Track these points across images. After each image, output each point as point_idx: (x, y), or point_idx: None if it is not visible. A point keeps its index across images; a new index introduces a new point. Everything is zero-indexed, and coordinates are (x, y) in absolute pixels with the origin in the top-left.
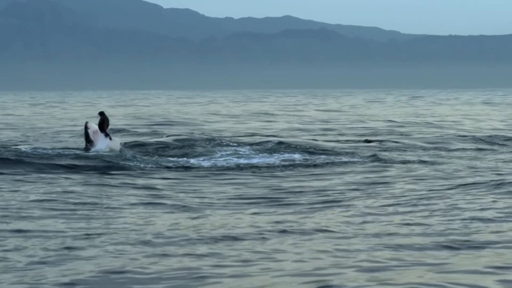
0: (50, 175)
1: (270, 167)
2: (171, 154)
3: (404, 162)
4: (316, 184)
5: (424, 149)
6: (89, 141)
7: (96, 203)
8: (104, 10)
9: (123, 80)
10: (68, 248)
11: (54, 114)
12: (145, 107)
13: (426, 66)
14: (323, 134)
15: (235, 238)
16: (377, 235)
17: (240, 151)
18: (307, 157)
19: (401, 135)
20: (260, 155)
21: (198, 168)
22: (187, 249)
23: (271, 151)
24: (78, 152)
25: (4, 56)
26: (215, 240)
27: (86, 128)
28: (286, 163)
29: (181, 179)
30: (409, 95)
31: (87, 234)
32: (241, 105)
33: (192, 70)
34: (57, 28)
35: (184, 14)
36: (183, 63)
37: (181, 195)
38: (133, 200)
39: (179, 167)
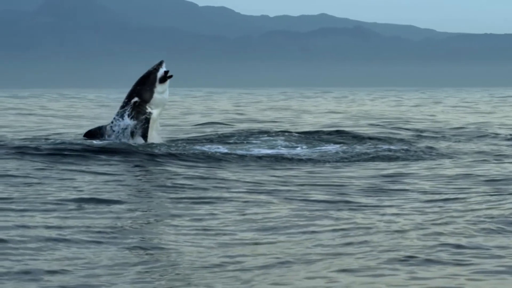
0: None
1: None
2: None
3: None
4: None
5: None
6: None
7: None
8: (139, 8)
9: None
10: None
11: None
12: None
13: (461, 64)
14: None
15: None
16: None
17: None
18: None
19: None
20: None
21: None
22: None
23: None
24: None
25: (38, 53)
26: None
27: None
28: None
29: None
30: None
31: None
32: (301, 102)
33: (227, 68)
34: (91, 26)
35: (219, 12)
36: (218, 61)
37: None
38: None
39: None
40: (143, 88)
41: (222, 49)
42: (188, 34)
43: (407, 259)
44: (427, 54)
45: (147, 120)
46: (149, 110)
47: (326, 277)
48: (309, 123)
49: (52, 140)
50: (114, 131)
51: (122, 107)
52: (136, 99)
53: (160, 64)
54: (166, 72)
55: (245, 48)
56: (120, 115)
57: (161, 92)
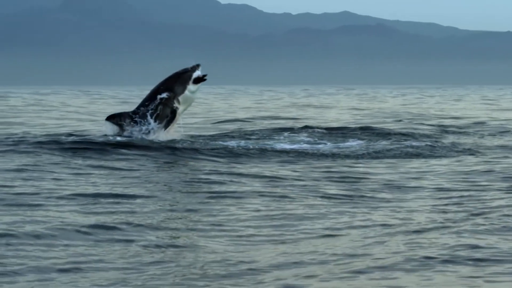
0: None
1: None
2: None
3: None
4: None
5: None
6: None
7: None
8: (161, 5)
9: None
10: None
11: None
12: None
13: (484, 62)
14: None
15: None
16: None
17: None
18: None
19: None
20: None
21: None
22: None
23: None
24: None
25: (61, 50)
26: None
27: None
28: None
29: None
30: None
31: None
32: (323, 99)
33: (249, 66)
34: (114, 23)
35: (241, 9)
36: (240, 59)
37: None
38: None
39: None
40: (177, 83)
41: (244, 46)
42: (210, 32)
43: (424, 260)
44: (449, 52)
45: (174, 114)
46: (176, 105)
47: (341, 278)
48: (331, 119)
49: (72, 136)
50: (135, 129)
51: (145, 104)
52: (164, 95)
53: (197, 66)
54: (203, 76)
55: (267, 45)
56: (143, 114)
57: (192, 91)
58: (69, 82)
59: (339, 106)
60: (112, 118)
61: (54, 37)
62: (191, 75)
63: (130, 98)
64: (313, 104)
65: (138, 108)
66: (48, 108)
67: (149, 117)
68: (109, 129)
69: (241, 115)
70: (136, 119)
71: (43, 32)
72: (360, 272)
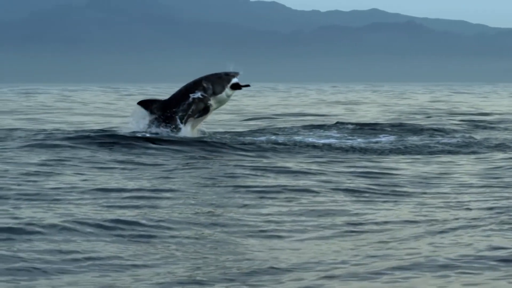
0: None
1: None
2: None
3: None
4: None
5: None
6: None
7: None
8: (190, 3)
9: (210, 72)
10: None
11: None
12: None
13: None
14: None
15: None
16: None
17: None
18: None
19: None
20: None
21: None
22: None
23: None
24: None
25: (89, 47)
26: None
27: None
28: None
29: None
30: None
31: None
32: (352, 96)
33: (279, 63)
34: (143, 20)
35: (271, 7)
36: (269, 56)
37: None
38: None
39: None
40: (218, 82)
41: (273, 44)
42: (239, 29)
43: (447, 260)
44: (478, 49)
45: (207, 111)
46: (211, 102)
47: (362, 279)
48: (361, 116)
49: (99, 132)
50: (160, 127)
51: (179, 98)
52: (198, 94)
53: (237, 74)
54: (242, 85)
55: (296, 43)
56: (170, 116)
57: (228, 94)
58: (96, 79)
59: (368, 103)
60: (143, 103)
61: (82, 34)
62: (230, 79)
63: (159, 94)
64: (342, 101)
65: (171, 98)
66: (76, 105)
67: (178, 120)
68: (139, 114)
69: (270, 112)
70: (167, 114)
71: (70, 29)
72: (381, 273)
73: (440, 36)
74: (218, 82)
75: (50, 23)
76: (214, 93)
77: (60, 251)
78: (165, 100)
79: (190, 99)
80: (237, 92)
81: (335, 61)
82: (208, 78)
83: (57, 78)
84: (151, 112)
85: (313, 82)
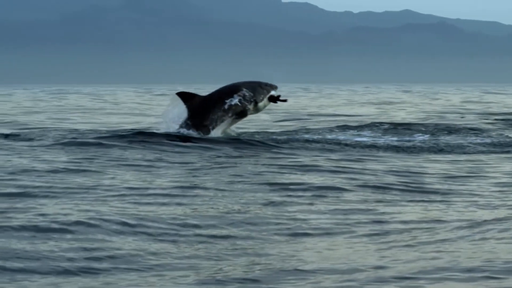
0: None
1: None
2: None
3: None
4: None
5: None
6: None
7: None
8: (222, 3)
9: (241, 73)
10: None
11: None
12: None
13: None
14: None
15: None
16: None
17: None
18: None
19: None
20: None
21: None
22: None
23: None
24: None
25: (123, 49)
26: None
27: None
28: None
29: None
30: None
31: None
32: (386, 97)
33: (310, 64)
34: (175, 21)
35: (303, 7)
36: (301, 57)
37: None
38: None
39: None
40: (258, 90)
41: (305, 45)
42: (271, 30)
43: (476, 266)
44: (511, 50)
45: (244, 115)
46: (250, 107)
47: (387, 283)
48: (394, 116)
49: (132, 131)
50: (191, 129)
51: (211, 105)
52: (236, 100)
53: (276, 87)
54: (281, 99)
55: (329, 44)
56: (203, 117)
57: (264, 104)
58: (128, 80)
59: (401, 103)
60: (183, 95)
61: (115, 35)
62: (270, 91)
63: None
64: (374, 102)
65: (208, 98)
66: (108, 105)
67: (214, 116)
68: (176, 105)
69: (302, 112)
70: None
71: (103, 30)
72: (406, 277)
73: (472, 37)
74: (258, 90)
75: (83, 24)
76: (253, 101)
77: (85, 249)
78: (204, 97)
79: (227, 105)
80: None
81: (367, 62)
82: (249, 85)
83: (90, 79)
84: (188, 106)
85: (345, 83)
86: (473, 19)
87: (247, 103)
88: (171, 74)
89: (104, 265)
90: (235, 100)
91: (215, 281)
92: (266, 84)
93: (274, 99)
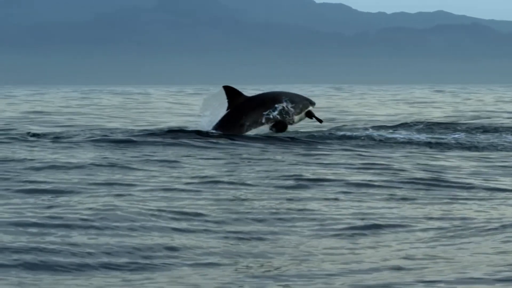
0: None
1: None
2: None
3: None
4: None
5: None
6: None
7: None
8: (256, 4)
9: (275, 74)
10: None
11: None
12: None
13: None
14: None
15: None
16: None
17: None
18: None
19: None
20: None
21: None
22: None
23: None
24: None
25: (156, 50)
26: None
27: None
28: None
29: None
30: None
31: None
32: (421, 97)
33: (344, 65)
34: (209, 22)
35: (336, 8)
36: (334, 58)
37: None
38: None
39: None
40: (298, 104)
41: (338, 45)
42: (305, 31)
43: (502, 270)
44: None
45: (281, 126)
46: (293, 118)
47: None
48: (428, 115)
49: (166, 130)
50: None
51: (250, 109)
52: (276, 112)
53: (314, 104)
54: (316, 116)
55: (362, 44)
56: (240, 119)
57: (301, 118)
58: (163, 80)
59: (434, 103)
60: (228, 89)
61: (150, 37)
62: (308, 106)
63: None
64: (408, 101)
65: (254, 98)
66: (142, 105)
67: (250, 121)
68: (219, 97)
69: (336, 110)
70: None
71: (139, 32)
72: (433, 281)
73: (506, 38)
74: (298, 104)
75: (119, 25)
76: (292, 114)
77: (121, 245)
78: (247, 98)
79: (266, 114)
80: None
81: (400, 62)
82: (290, 96)
83: (122, 80)
84: (230, 102)
85: (378, 84)
86: (507, 19)
87: (286, 115)
88: (204, 75)
89: (135, 259)
90: (275, 112)
91: (239, 280)
92: (306, 99)
93: (310, 115)
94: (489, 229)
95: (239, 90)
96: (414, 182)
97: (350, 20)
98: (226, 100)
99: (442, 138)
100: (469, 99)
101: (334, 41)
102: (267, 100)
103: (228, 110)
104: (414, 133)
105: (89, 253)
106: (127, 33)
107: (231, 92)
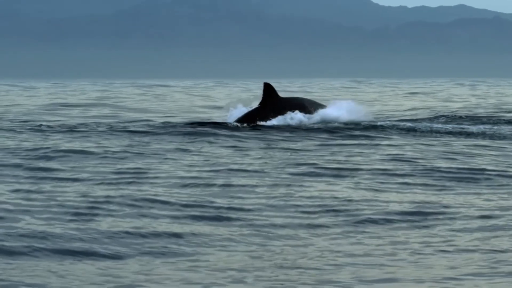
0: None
1: None
2: None
3: None
4: None
5: None
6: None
7: None
8: None
9: (296, 68)
10: None
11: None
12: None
13: None
14: None
15: None
16: None
17: None
18: None
19: None
20: None
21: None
22: None
23: None
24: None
25: (178, 44)
26: None
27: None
28: None
29: None
30: None
31: None
32: (445, 91)
33: (364, 59)
34: (230, 16)
35: (357, 2)
36: (354, 52)
37: None
38: None
39: None
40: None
41: (359, 40)
42: (326, 25)
43: None
44: None
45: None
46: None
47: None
48: (456, 108)
49: (190, 122)
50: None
51: (276, 110)
52: (299, 115)
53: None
54: None
55: (383, 39)
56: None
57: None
58: (184, 75)
59: (459, 97)
60: (267, 86)
61: (171, 31)
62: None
63: (254, 90)
64: (436, 95)
65: (282, 101)
66: (162, 98)
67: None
68: (245, 101)
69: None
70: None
71: (159, 25)
72: (453, 277)
73: None
74: (317, 110)
75: (140, 19)
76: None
77: (138, 233)
78: (280, 99)
79: (290, 117)
80: (329, 92)
81: (422, 57)
82: (312, 104)
83: (143, 74)
84: (264, 98)
85: (398, 78)
86: None
87: (306, 120)
88: (227, 70)
89: (144, 246)
90: (298, 115)
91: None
92: (322, 106)
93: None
94: None
95: (276, 90)
96: (439, 172)
97: (371, 14)
98: (263, 96)
99: (470, 129)
100: (497, 93)
101: (354, 35)
102: (294, 105)
103: (260, 105)
104: (443, 124)
105: (96, 239)
106: (148, 27)
107: (268, 90)
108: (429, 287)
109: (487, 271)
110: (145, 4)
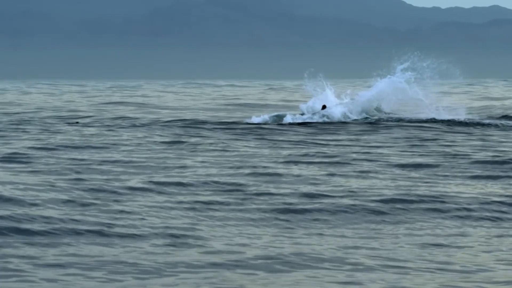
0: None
1: None
2: None
3: None
4: None
5: None
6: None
7: None
8: None
9: (327, 68)
10: None
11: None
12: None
13: None
14: None
15: None
16: None
17: None
18: None
19: None
20: None
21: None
22: None
23: None
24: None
25: (209, 44)
26: None
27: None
28: None
29: None
30: None
31: None
32: (482, 90)
33: (396, 60)
34: (261, 16)
35: (390, 3)
36: (387, 52)
37: None
38: None
39: None
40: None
41: (392, 40)
42: (357, 25)
43: None
44: None
45: None
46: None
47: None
48: (503, 108)
49: (215, 121)
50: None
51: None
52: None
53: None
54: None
55: (415, 39)
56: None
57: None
58: (216, 75)
59: (496, 97)
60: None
61: (203, 31)
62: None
63: (291, 89)
64: (472, 95)
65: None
66: (195, 97)
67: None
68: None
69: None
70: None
71: (191, 26)
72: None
73: None
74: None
75: (171, 20)
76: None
77: (164, 232)
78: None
79: (318, 115)
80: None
81: (455, 57)
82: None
83: (176, 74)
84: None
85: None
86: None
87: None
88: (258, 69)
89: (167, 236)
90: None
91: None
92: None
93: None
94: None
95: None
96: (482, 160)
97: (404, 14)
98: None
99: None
100: None
101: (386, 36)
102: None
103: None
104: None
105: (134, 225)
106: (180, 28)
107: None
108: None
109: None
110: (176, 4)
